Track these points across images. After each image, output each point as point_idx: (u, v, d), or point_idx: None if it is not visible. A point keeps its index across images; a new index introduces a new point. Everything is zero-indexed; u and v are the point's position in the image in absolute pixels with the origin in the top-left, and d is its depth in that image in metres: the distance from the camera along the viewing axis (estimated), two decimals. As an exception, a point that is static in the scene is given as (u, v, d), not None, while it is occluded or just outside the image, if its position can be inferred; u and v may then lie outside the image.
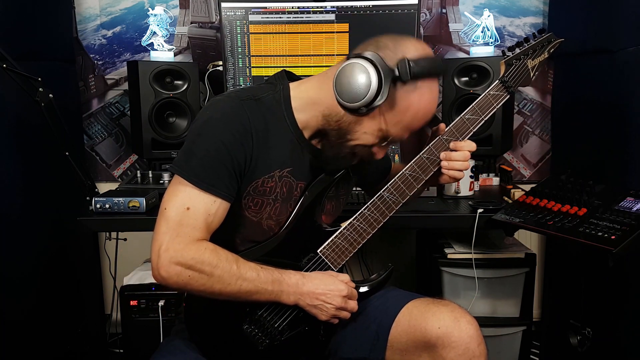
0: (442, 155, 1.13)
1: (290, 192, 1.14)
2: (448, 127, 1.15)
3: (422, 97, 1.03)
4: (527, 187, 1.72)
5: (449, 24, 2.28)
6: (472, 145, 1.14)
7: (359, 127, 1.06)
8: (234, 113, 1.07)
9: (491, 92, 1.16)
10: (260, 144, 1.09)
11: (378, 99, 0.99)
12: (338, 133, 1.08)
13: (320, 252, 1.14)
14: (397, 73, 1.00)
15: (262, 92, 1.13)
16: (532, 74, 1.19)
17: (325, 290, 1.09)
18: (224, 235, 1.12)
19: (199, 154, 1.04)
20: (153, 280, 1.79)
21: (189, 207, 1.03)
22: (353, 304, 1.13)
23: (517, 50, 1.18)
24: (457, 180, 1.16)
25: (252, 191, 1.10)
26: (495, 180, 2.07)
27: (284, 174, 1.12)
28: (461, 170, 1.14)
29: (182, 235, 1.02)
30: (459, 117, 1.15)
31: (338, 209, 1.26)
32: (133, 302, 1.79)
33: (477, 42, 2.27)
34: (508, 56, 1.18)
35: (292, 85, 1.15)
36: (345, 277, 1.13)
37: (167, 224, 1.02)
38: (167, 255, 1.01)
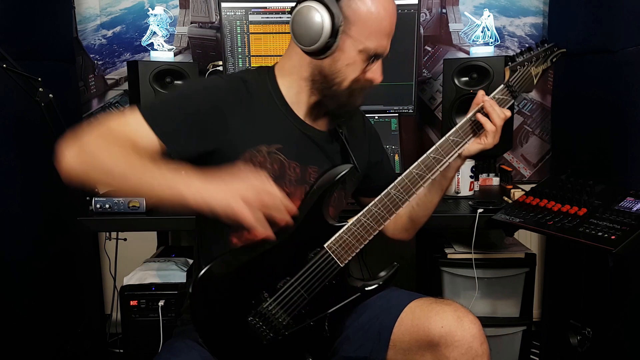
0: (487, 99, 1.17)
1: (283, 171, 1.15)
2: (455, 128, 1.18)
3: None
4: (527, 187, 1.72)
5: (449, 24, 2.28)
6: (508, 112, 1.18)
7: (340, 63, 1.09)
8: (218, 85, 1.13)
9: (497, 96, 1.20)
10: (245, 118, 1.11)
11: (335, 23, 1.04)
12: (326, 83, 1.12)
13: (326, 246, 1.14)
14: None
15: (250, 75, 1.19)
16: (534, 81, 1.23)
17: (230, 178, 0.98)
18: (223, 229, 1.15)
19: (163, 101, 1.12)
20: (153, 280, 1.83)
21: (127, 125, 1.03)
22: (271, 199, 0.98)
23: (522, 58, 1.22)
24: (492, 137, 1.19)
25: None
26: (495, 180, 2.07)
27: (272, 150, 1.14)
28: (499, 118, 1.17)
29: (104, 135, 1.00)
30: (467, 117, 1.18)
31: (341, 201, 1.27)
32: (133, 302, 1.79)
33: (477, 42, 2.27)
34: (513, 62, 1.22)
35: (277, 68, 1.19)
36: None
37: (98, 126, 1.01)
38: (77, 141, 0.98)
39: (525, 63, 1.22)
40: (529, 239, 2.27)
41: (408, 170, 1.16)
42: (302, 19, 1.06)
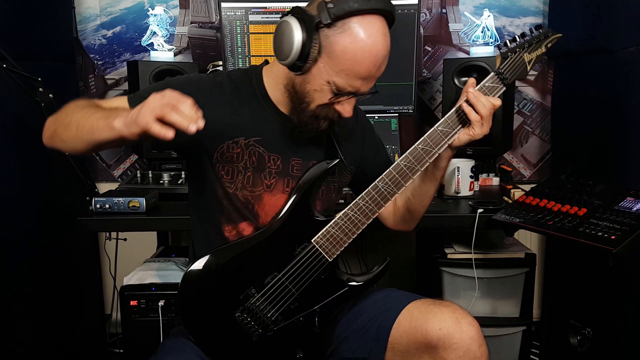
0: (470, 90, 1.12)
1: (262, 162, 1.16)
2: (444, 118, 1.15)
3: (356, 37, 1.01)
4: (527, 187, 1.72)
5: (449, 24, 2.28)
6: (497, 101, 1.13)
7: (309, 86, 1.08)
8: (201, 78, 1.19)
9: (487, 84, 1.15)
10: (224, 111, 1.14)
11: (306, 48, 1.02)
12: (297, 98, 1.11)
13: (314, 241, 1.14)
14: (318, 18, 1.01)
15: (237, 72, 1.22)
16: (528, 67, 1.19)
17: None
18: (211, 222, 1.18)
19: (149, 87, 1.16)
20: (153, 280, 1.83)
21: (111, 103, 1.13)
22: (175, 98, 0.94)
23: (513, 44, 1.18)
24: (479, 128, 1.13)
25: (220, 157, 1.14)
26: (495, 180, 2.07)
27: (250, 142, 1.15)
28: (485, 108, 1.11)
29: (83, 101, 1.09)
30: (455, 107, 1.15)
31: (331, 195, 1.26)
32: (133, 302, 1.79)
33: (477, 42, 2.27)
34: (504, 50, 1.18)
35: (265, 67, 1.21)
36: None
37: (86, 99, 1.11)
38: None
39: (517, 49, 1.17)
40: (529, 239, 2.27)
41: (396, 163, 1.14)
42: (280, 33, 1.06)
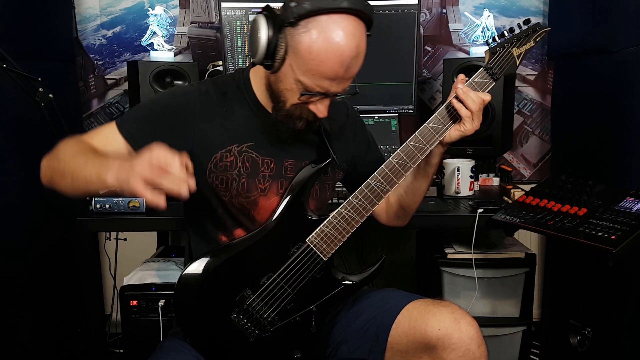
0: (459, 86, 1.12)
1: (256, 168, 1.16)
2: (434, 114, 1.15)
3: (319, 37, 0.99)
4: (527, 187, 1.72)
5: (449, 24, 2.28)
6: (487, 96, 1.13)
7: (281, 85, 1.08)
8: (187, 91, 1.18)
9: (476, 80, 1.16)
10: (214, 121, 1.14)
11: (272, 46, 1.02)
12: (274, 97, 1.12)
13: (308, 240, 1.14)
14: (283, 17, 1.01)
15: (223, 77, 1.22)
16: (517, 62, 1.19)
17: (136, 158, 0.94)
18: (206, 230, 1.19)
19: (136, 107, 1.18)
20: (153, 280, 1.83)
21: (100, 133, 1.13)
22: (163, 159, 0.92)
23: (502, 39, 1.19)
24: (470, 123, 1.13)
25: (213, 167, 1.14)
26: (495, 180, 2.07)
27: (243, 148, 1.15)
28: (475, 103, 1.10)
29: (72, 144, 1.09)
30: (445, 103, 1.15)
31: (324, 194, 1.26)
32: (133, 302, 1.79)
33: (477, 42, 2.27)
34: (492, 45, 1.19)
35: (252, 70, 1.20)
36: None
37: (74, 138, 1.11)
38: (53, 152, 1.09)
39: (505, 44, 1.18)
40: (529, 239, 2.27)
41: (388, 160, 1.14)
42: (250, 31, 1.06)
